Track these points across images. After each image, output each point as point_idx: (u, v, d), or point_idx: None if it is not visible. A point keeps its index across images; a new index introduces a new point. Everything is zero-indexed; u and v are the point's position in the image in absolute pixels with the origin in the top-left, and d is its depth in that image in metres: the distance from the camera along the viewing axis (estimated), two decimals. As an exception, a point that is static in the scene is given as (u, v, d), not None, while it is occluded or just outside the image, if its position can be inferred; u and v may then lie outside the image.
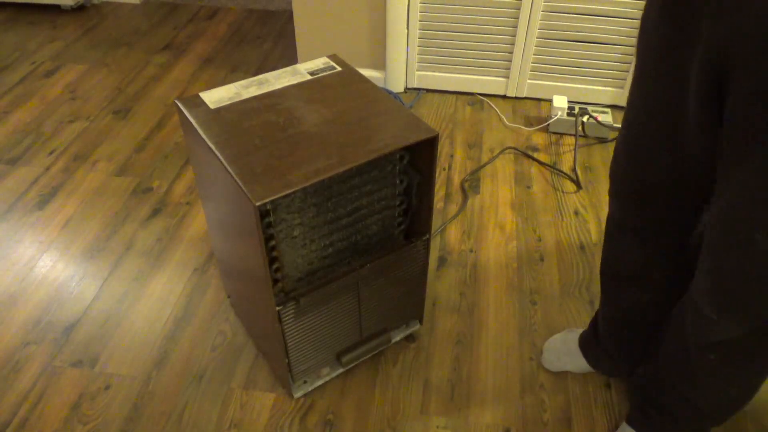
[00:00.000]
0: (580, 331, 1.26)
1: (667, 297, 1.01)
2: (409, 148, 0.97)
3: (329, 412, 1.19)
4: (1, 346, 1.31)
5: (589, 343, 1.21)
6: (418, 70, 2.12)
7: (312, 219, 0.96)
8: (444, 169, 1.80)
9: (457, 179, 1.77)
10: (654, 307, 1.04)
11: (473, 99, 2.12)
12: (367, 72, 2.13)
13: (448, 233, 1.59)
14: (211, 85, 2.20)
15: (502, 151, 1.87)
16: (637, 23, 1.88)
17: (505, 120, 2.01)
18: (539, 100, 2.11)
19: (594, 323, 1.19)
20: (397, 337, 1.28)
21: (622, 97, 2.04)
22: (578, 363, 1.23)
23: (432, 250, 1.51)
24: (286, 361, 1.11)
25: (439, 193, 1.71)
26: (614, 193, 0.93)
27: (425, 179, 1.03)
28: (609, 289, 1.08)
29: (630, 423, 1.11)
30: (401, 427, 1.17)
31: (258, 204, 0.82)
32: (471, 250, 1.54)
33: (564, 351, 1.25)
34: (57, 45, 2.45)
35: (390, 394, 1.22)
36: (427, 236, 1.11)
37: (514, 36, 1.96)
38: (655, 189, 0.85)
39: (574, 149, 1.87)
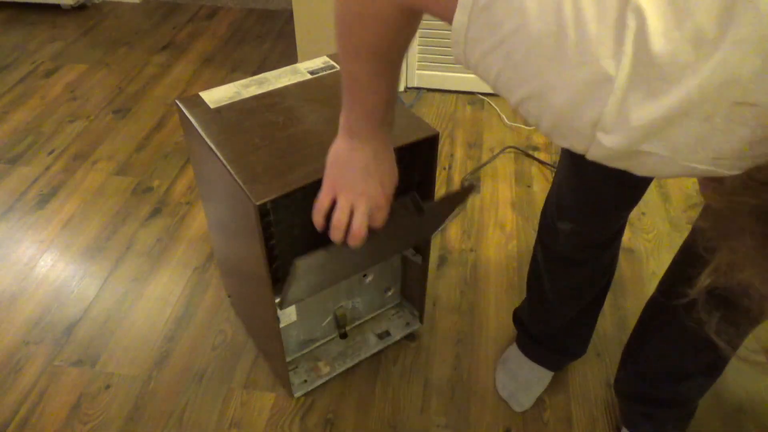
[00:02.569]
0: (511, 348, 1.28)
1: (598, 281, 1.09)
2: (409, 147, 0.97)
3: (329, 411, 1.19)
4: (1, 346, 1.31)
5: (525, 342, 1.23)
6: (418, 69, 2.12)
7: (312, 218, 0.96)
8: (444, 169, 1.80)
9: (457, 178, 1.77)
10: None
11: (473, 98, 2.12)
12: (367, 71, 2.13)
13: (448, 233, 1.59)
14: (211, 85, 2.20)
15: (502, 151, 1.87)
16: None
17: (505, 119, 2.01)
18: (539, 99, 2.11)
19: (520, 322, 1.24)
20: (398, 336, 1.28)
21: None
22: (532, 372, 1.23)
23: (432, 249, 1.51)
24: (286, 360, 1.11)
25: (439, 192, 1.71)
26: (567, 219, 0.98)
27: (425, 178, 1.03)
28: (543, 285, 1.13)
29: (633, 428, 1.11)
30: (401, 427, 1.17)
31: (258, 203, 0.82)
32: (471, 250, 1.54)
33: (513, 367, 1.24)
34: (57, 45, 2.45)
35: (390, 394, 1.22)
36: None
37: (514, 35, 1.96)
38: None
39: (575, 148, 1.87)
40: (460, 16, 0.45)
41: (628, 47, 0.37)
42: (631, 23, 0.37)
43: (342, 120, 0.74)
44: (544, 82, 0.42)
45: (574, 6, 0.38)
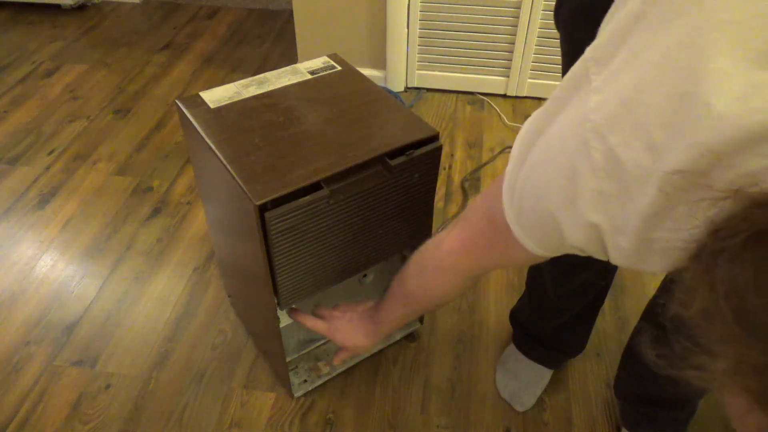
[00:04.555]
0: (509, 349, 1.28)
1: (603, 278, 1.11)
2: (408, 148, 0.97)
3: (329, 411, 1.19)
4: (1, 346, 1.31)
5: (523, 341, 1.23)
6: (418, 69, 2.12)
7: (312, 218, 0.96)
8: (444, 169, 1.80)
9: (457, 179, 1.77)
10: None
11: (473, 98, 2.12)
12: (367, 71, 2.13)
13: (449, 233, 1.59)
14: (211, 85, 2.20)
15: (502, 151, 1.87)
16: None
17: (505, 119, 2.01)
18: (540, 99, 2.12)
19: (516, 321, 1.25)
20: (398, 336, 1.28)
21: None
22: (532, 370, 1.23)
23: (432, 249, 1.50)
24: (286, 360, 1.11)
25: (439, 192, 1.71)
26: None
27: (427, 179, 1.03)
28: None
29: (633, 429, 1.11)
30: (401, 427, 1.17)
31: (258, 203, 0.82)
32: (471, 250, 1.54)
33: (513, 367, 1.24)
34: (57, 45, 2.45)
35: (390, 394, 1.22)
36: (428, 236, 1.11)
37: (515, 35, 1.96)
38: None
39: (575, 148, 1.87)
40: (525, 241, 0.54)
41: (600, 165, 0.42)
42: (596, 145, 0.41)
43: (379, 313, 0.93)
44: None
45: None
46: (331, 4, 2.00)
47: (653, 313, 0.98)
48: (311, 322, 1.00)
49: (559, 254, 0.54)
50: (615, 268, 1.08)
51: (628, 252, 0.43)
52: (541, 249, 0.54)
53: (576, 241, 0.47)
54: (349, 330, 0.97)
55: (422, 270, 0.76)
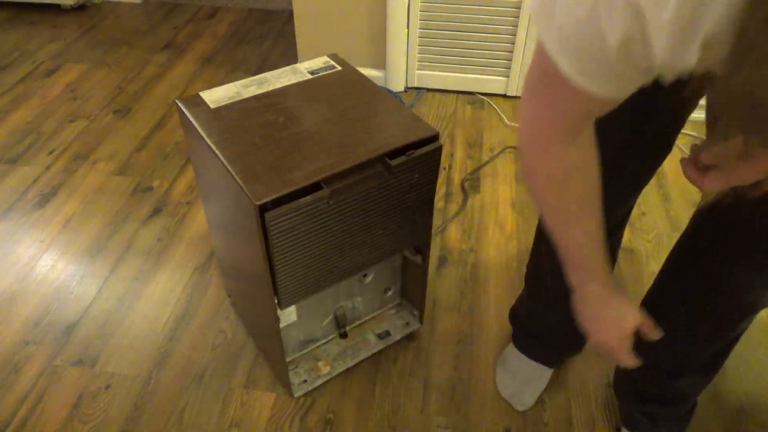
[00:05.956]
0: (508, 348, 1.28)
1: None
2: (409, 148, 0.97)
3: (330, 411, 1.19)
4: (1, 346, 1.31)
5: (522, 340, 1.23)
6: (418, 70, 2.12)
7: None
8: (444, 169, 1.80)
9: (457, 178, 1.77)
10: None
11: (473, 98, 2.12)
12: (367, 71, 2.13)
13: (449, 233, 1.59)
14: (211, 85, 2.20)
15: (502, 151, 1.87)
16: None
17: (505, 119, 2.01)
18: (539, 99, 2.11)
19: (516, 320, 1.25)
20: (398, 336, 1.28)
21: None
22: (532, 369, 1.23)
23: (432, 249, 1.51)
24: (286, 360, 1.11)
25: (439, 192, 1.71)
26: None
27: (427, 179, 1.03)
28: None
29: (633, 429, 1.11)
30: (401, 427, 1.17)
31: (258, 203, 0.82)
32: (471, 250, 1.54)
33: (512, 367, 1.24)
34: (57, 45, 2.45)
35: (390, 394, 1.22)
36: (428, 236, 1.11)
37: (515, 35, 1.96)
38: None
39: (575, 148, 1.86)
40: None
41: None
42: None
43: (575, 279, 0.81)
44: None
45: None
46: (331, 4, 2.00)
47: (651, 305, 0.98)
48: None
49: (606, 75, 0.53)
50: (613, 258, 1.07)
51: (670, 28, 0.43)
52: (586, 76, 0.53)
53: (618, 32, 0.46)
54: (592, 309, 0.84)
55: (530, 172, 0.69)
